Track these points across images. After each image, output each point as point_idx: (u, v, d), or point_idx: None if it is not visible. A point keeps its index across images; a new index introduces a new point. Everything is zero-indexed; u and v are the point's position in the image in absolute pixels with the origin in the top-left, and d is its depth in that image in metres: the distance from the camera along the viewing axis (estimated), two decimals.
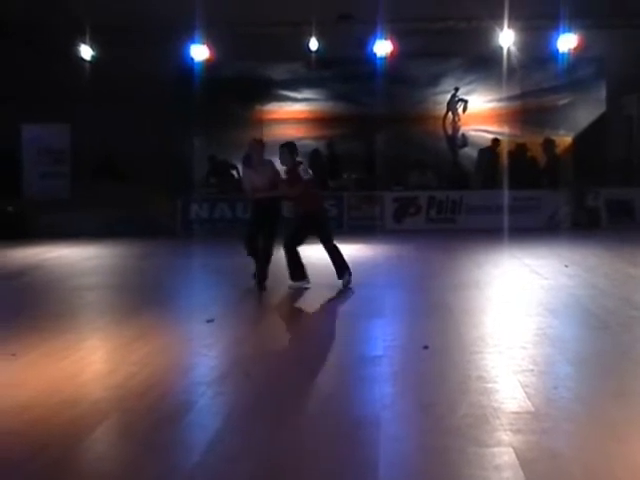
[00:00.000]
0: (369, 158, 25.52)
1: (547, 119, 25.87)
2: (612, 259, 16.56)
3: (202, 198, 23.76)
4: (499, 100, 25.86)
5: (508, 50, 24.24)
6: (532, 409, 6.79)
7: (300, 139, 24.76)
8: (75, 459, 6.04)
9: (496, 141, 25.01)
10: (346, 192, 23.80)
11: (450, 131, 26.11)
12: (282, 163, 13.42)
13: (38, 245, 20.34)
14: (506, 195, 22.32)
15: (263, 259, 13.17)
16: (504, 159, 24.48)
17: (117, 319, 11.23)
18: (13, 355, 8.93)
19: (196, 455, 6.00)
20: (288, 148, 13.47)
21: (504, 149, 24.84)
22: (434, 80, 26.19)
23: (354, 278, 13.38)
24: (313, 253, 13.55)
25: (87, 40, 24.34)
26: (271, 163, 13.50)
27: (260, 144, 13.81)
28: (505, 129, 25.75)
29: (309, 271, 13.25)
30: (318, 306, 12.23)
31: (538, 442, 6.06)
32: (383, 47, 24.40)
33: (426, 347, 8.95)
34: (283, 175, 13.54)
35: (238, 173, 24.36)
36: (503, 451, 5.86)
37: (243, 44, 23.88)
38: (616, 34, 23.95)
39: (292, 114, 26.14)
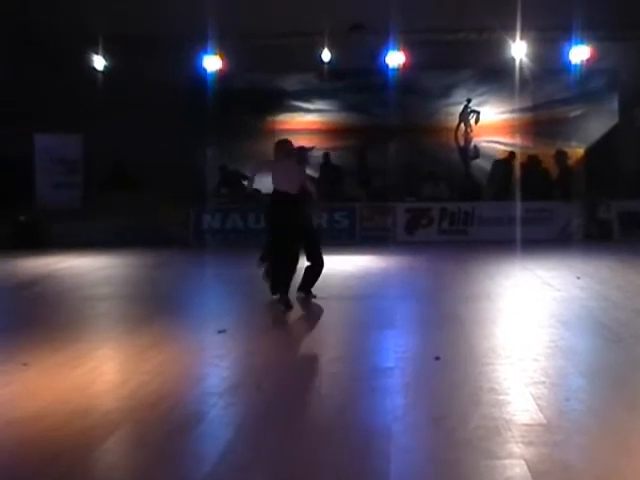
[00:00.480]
0: (382, 169, 25.48)
1: (559, 131, 25.87)
2: (625, 271, 16.52)
3: (214, 208, 23.78)
4: (511, 112, 25.87)
5: (520, 62, 24.26)
6: (544, 421, 6.77)
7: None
8: (86, 469, 6.04)
9: (512, 154, 24.99)
10: (358, 203, 23.79)
11: (462, 142, 26.13)
12: None
13: (50, 255, 20.39)
14: (518, 207, 22.30)
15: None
16: (518, 172, 24.45)
17: (129, 329, 11.25)
18: (25, 365, 8.93)
19: (207, 466, 6.00)
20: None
21: (518, 162, 24.81)
22: (446, 91, 26.23)
23: (367, 289, 13.35)
24: (326, 265, 13.48)
25: (100, 50, 24.46)
26: None
27: None
28: (517, 141, 25.75)
29: (321, 281, 13.22)
30: (329, 317, 12.22)
31: (550, 454, 6.04)
32: (395, 58, 24.47)
33: (438, 358, 8.94)
34: None
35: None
36: (515, 463, 5.84)
37: (255, 55, 23.95)
38: (629, 46, 23.96)
39: (304, 125, 26.18)
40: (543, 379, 8.09)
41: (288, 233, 12.46)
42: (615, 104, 25.80)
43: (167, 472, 5.94)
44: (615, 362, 8.95)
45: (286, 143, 13.44)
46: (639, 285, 14.64)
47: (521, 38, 23.76)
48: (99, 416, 7.19)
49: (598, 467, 5.87)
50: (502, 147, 25.78)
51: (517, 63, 24.25)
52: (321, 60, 24.63)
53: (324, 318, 12.16)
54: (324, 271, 13.30)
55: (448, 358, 9.01)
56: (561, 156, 25.09)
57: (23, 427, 6.90)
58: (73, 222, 22.53)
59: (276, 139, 14.43)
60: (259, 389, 8.02)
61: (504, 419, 6.82)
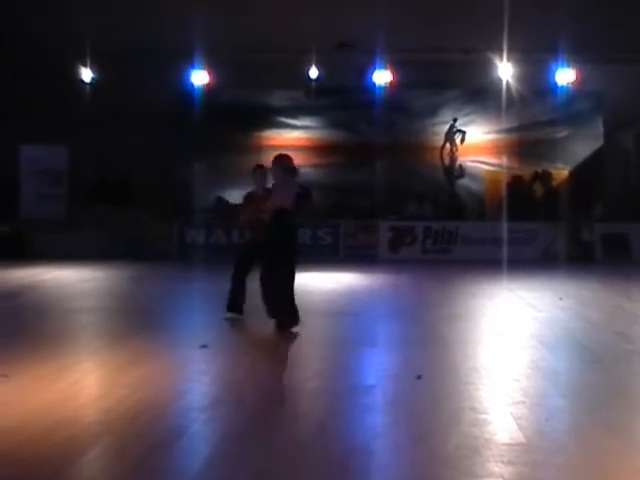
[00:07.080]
0: (367, 187, 25.50)
1: (544, 152, 25.97)
2: (606, 293, 16.59)
3: (199, 223, 23.76)
4: (497, 132, 25.99)
5: (506, 83, 24.39)
6: (524, 441, 6.79)
7: (298, 167, 24.82)
8: None
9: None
10: (343, 220, 23.82)
11: (447, 162, 26.22)
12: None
13: (34, 266, 20.32)
14: (504, 227, 22.35)
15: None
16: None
17: (112, 342, 11.23)
18: (5, 376, 8.90)
19: None
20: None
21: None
22: (433, 110, 26.33)
23: (349, 306, 13.34)
24: (309, 282, 13.48)
25: (88, 63, 24.46)
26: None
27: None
28: (502, 161, 25.84)
29: (303, 297, 13.16)
30: (312, 333, 12.20)
31: (529, 474, 6.06)
32: (382, 77, 24.57)
33: (419, 377, 8.94)
34: None
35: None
36: None
37: (243, 71, 24.03)
38: (613, 70, 24.12)
39: (291, 141, 26.18)
40: (523, 399, 8.12)
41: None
42: (600, 127, 25.94)
43: None
44: (595, 383, 8.99)
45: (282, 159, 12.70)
46: (619, 307, 14.70)
47: (507, 59, 23.93)
48: (79, 429, 7.16)
49: None
50: (487, 167, 25.89)
51: (503, 84, 24.38)
52: (308, 77, 24.74)
53: (306, 334, 12.13)
54: (307, 288, 13.30)
55: (430, 377, 9.02)
56: (546, 177, 25.19)
57: (3, 438, 6.87)
58: (57, 234, 22.49)
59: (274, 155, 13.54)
60: (241, 405, 8.02)
61: (484, 438, 6.84)
